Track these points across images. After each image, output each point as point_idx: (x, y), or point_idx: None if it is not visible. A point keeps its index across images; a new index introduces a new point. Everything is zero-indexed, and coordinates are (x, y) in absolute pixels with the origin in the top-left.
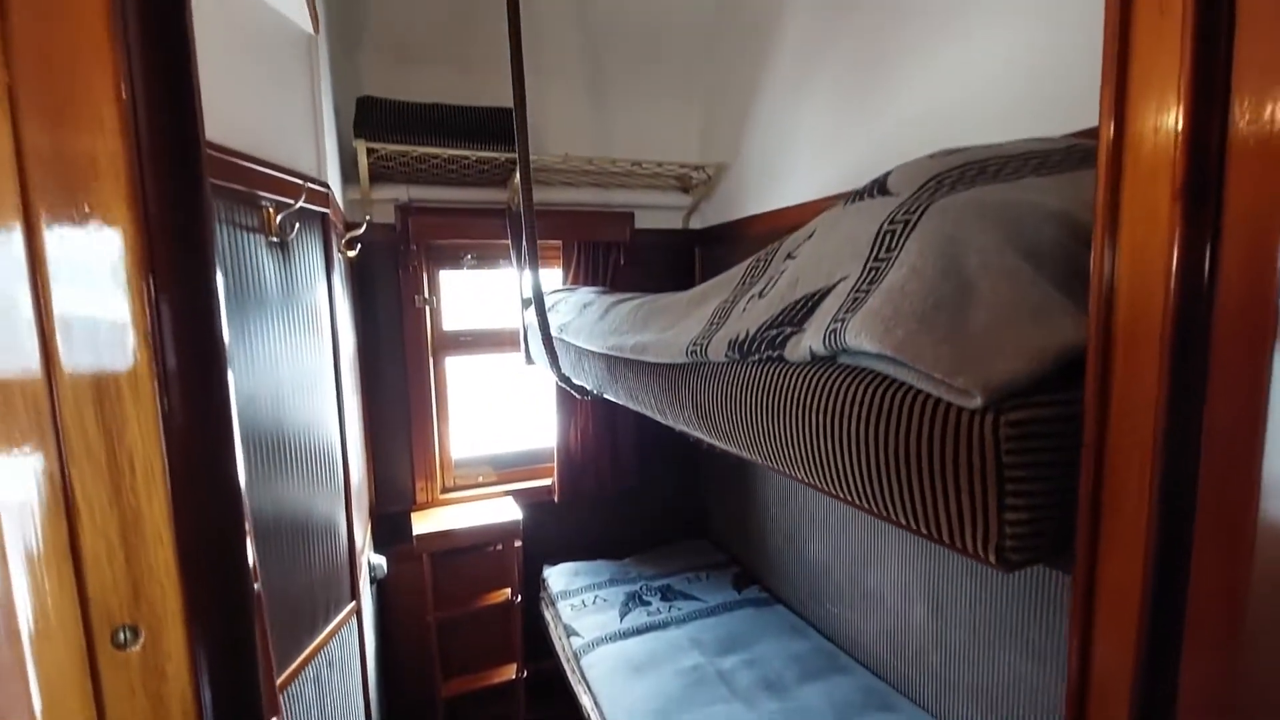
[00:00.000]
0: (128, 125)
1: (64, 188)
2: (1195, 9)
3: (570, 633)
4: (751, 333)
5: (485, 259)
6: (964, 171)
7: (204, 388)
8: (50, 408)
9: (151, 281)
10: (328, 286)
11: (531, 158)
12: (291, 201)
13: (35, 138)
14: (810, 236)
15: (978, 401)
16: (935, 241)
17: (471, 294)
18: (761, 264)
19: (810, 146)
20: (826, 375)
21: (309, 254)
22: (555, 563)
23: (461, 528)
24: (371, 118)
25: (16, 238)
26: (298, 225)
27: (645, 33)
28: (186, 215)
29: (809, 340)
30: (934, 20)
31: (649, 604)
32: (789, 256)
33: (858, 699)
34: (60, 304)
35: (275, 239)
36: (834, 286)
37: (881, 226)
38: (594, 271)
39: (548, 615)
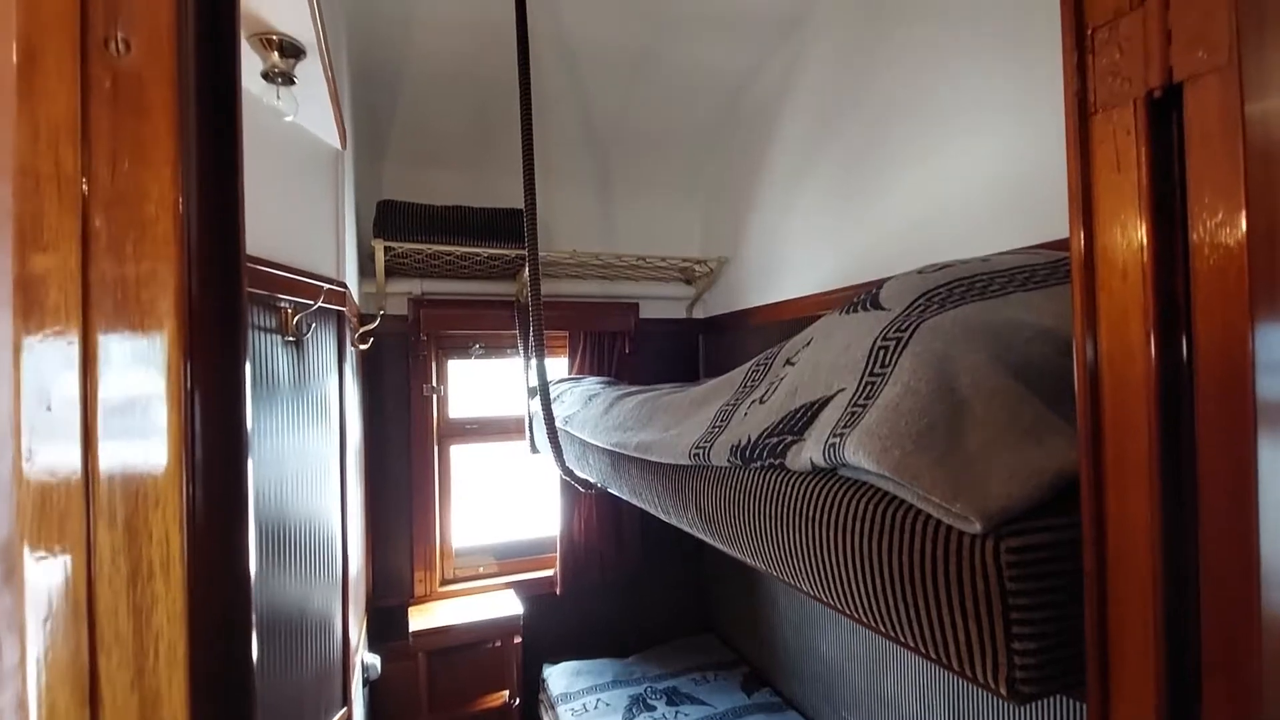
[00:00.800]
0: (182, 237)
1: (121, 297)
2: (1148, 135)
3: None
4: (753, 439)
5: (493, 348)
6: (953, 288)
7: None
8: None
9: (191, 395)
10: (339, 379)
11: (540, 254)
12: (310, 302)
13: (101, 248)
14: (808, 344)
15: (976, 527)
16: (928, 360)
17: (478, 382)
18: (762, 368)
19: (807, 243)
20: (827, 487)
21: (323, 349)
22: (556, 660)
23: (460, 624)
24: (390, 219)
25: (74, 342)
26: (313, 325)
27: (649, 135)
28: (225, 327)
29: (809, 451)
30: (920, 129)
31: (654, 709)
32: (788, 362)
33: None
34: (104, 416)
35: (291, 338)
36: (832, 398)
37: (876, 341)
38: (600, 361)
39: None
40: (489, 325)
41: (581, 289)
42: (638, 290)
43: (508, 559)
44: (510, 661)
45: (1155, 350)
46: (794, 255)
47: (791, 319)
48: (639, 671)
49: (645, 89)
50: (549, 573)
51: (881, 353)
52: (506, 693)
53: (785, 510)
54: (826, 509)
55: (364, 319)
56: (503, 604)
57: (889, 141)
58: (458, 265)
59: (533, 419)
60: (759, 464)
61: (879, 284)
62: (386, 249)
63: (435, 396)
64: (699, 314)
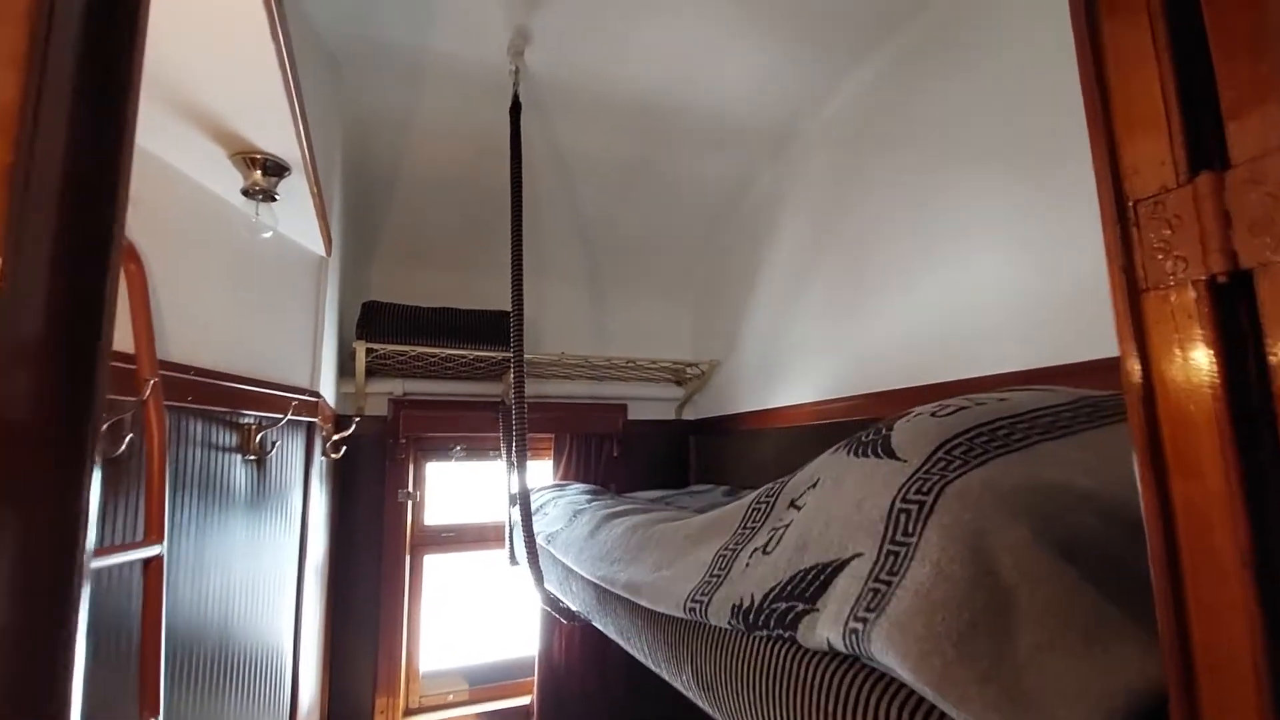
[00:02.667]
0: None
1: None
2: (1214, 320)
3: None
4: (758, 600)
5: (475, 450)
6: (973, 439)
7: None
8: None
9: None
10: (303, 491)
11: (527, 356)
12: (279, 416)
13: None
14: (814, 486)
15: None
16: (959, 536)
17: (458, 485)
18: (764, 507)
19: (802, 351)
20: (851, 677)
21: (288, 463)
22: None
23: None
24: (374, 321)
25: None
26: (277, 442)
27: (641, 239)
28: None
29: (825, 629)
30: (915, 248)
31: None
32: (793, 504)
33: None
34: None
35: (253, 456)
36: (847, 562)
37: (894, 502)
38: (586, 464)
39: None
40: (472, 427)
41: (568, 390)
42: (626, 391)
43: (480, 684)
44: None
45: (1248, 571)
46: (788, 362)
47: (786, 426)
48: None
49: (637, 195)
50: (525, 700)
51: (903, 517)
52: None
53: (800, 694)
54: (850, 704)
55: (340, 422)
56: None
57: (882, 258)
58: (442, 366)
59: (513, 529)
60: (765, 633)
61: (888, 423)
62: (368, 350)
63: (410, 502)
64: (689, 415)
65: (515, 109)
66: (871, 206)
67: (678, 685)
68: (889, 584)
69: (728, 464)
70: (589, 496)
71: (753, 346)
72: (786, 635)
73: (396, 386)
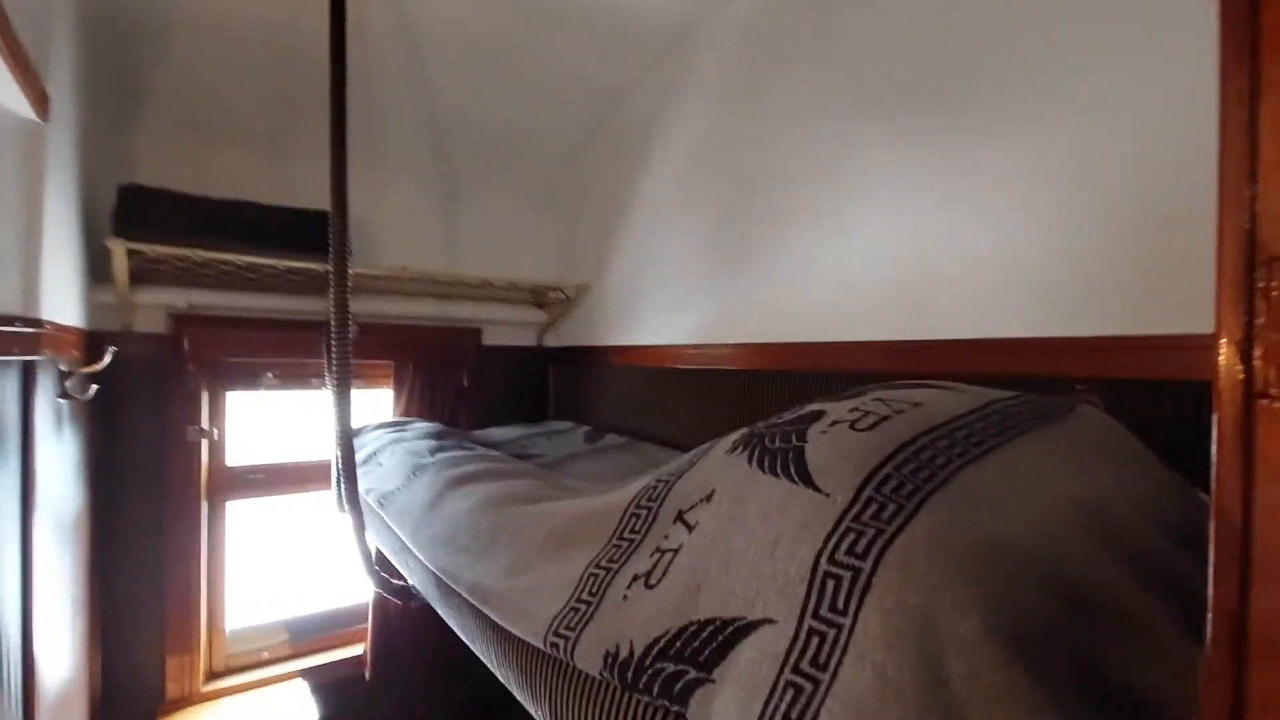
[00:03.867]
0: None
1: None
2: None
3: None
4: (638, 653)
5: (289, 377)
6: (901, 467)
7: None
8: None
9: None
10: (22, 441)
11: (359, 271)
12: None
13: None
14: (708, 499)
15: None
16: (907, 630)
17: (273, 420)
18: (645, 514)
19: (677, 288)
20: None
21: None
22: None
23: None
24: (139, 213)
25: None
26: None
27: (501, 137)
28: None
29: (725, 717)
30: (814, 189)
31: None
32: (681, 519)
33: None
34: None
35: None
36: (754, 626)
37: (820, 561)
38: (432, 395)
39: None
40: (287, 350)
41: (412, 309)
42: (481, 313)
43: (306, 637)
44: None
45: None
46: (662, 297)
47: (655, 366)
48: None
49: (500, 85)
50: (358, 650)
51: (830, 585)
52: None
53: None
54: None
55: (94, 343)
56: (298, 701)
57: (775, 197)
58: (242, 276)
59: (340, 475)
60: (647, 699)
61: (797, 425)
62: (132, 252)
63: (207, 441)
64: (551, 342)
65: None
66: (768, 135)
67: (530, 711)
68: (815, 684)
69: (590, 400)
70: (433, 442)
71: (624, 275)
72: (674, 709)
73: (179, 297)
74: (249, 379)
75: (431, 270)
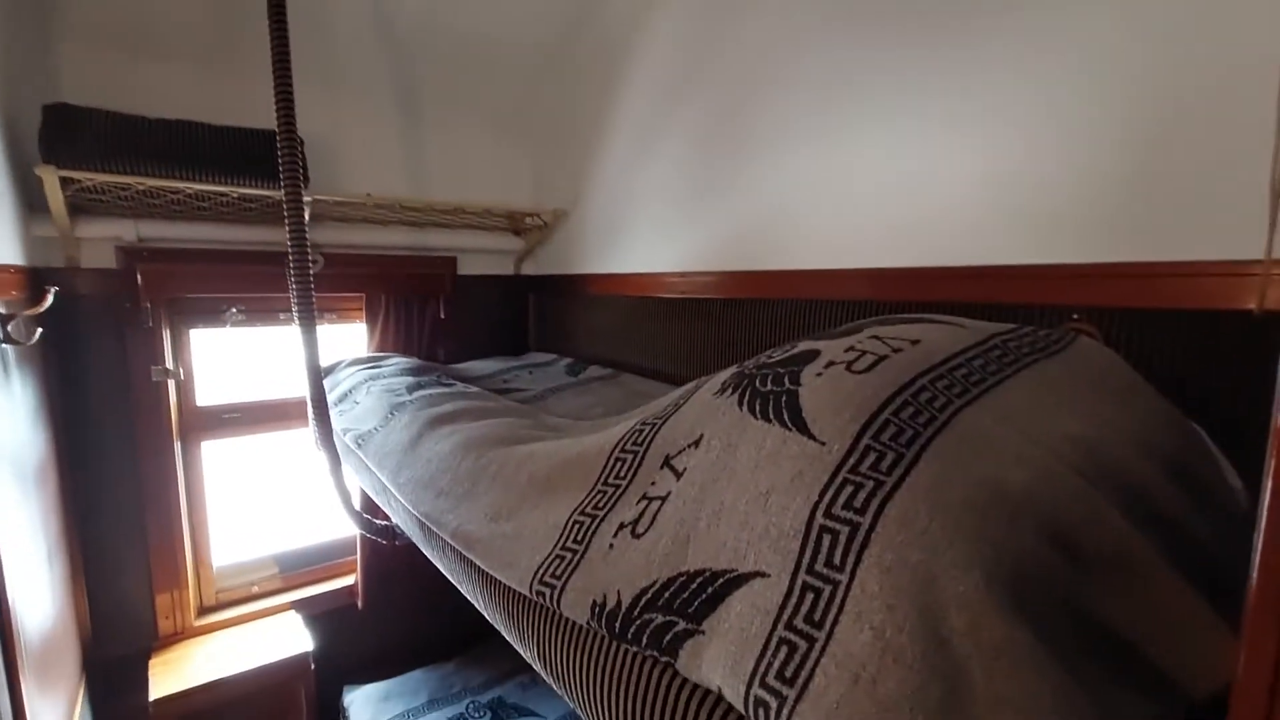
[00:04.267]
0: None
1: None
2: None
3: None
4: (625, 604)
5: (257, 313)
6: (900, 412)
7: None
8: None
9: None
10: None
11: (321, 198)
12: None
13: None
14: (696, 444)
15: None
16: (907, 589)
17: (243, 357)
18: (630, 458)
19: (660, 212)
20: None
21: None
22: (360, 681)
23: (228, 676)
24: (70, 137)
25: None
26: None
27: (470, 54)
28: None
29: (716, 673)
30: (800, 104)
31: None
32: (669, 464)
33: None
34: None
35: None
36: (746, 579)
37: (815, 514)
38: (408, 328)
39: None
40: (251, 284)
41: (383, 239)
42: (455, 241)
43: (295, 570)
44: (298, 699)
45: None
46: (642, 223)
47: (637, 295)
48: (459, 682)
49: None
50: (349, 580)
51: (827, 539)
52: None
53: None
54: None
55: (37, 282)
56: (285, 634)
57: (756, 119)
58: (194, 205)
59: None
60: (635, 649)
61: (789, 366)
62: (67, 181)
63: (173, 381)
64: (529, 270)
65: None
66: (756, 49)
67: (523, 655)
68: (810, 641)
69: (571, 330)
70: (411, 378)
71: (604, 200)
72: (663, 660)
73: (127, 230)
74: (213, 316)
75: (399, 196)
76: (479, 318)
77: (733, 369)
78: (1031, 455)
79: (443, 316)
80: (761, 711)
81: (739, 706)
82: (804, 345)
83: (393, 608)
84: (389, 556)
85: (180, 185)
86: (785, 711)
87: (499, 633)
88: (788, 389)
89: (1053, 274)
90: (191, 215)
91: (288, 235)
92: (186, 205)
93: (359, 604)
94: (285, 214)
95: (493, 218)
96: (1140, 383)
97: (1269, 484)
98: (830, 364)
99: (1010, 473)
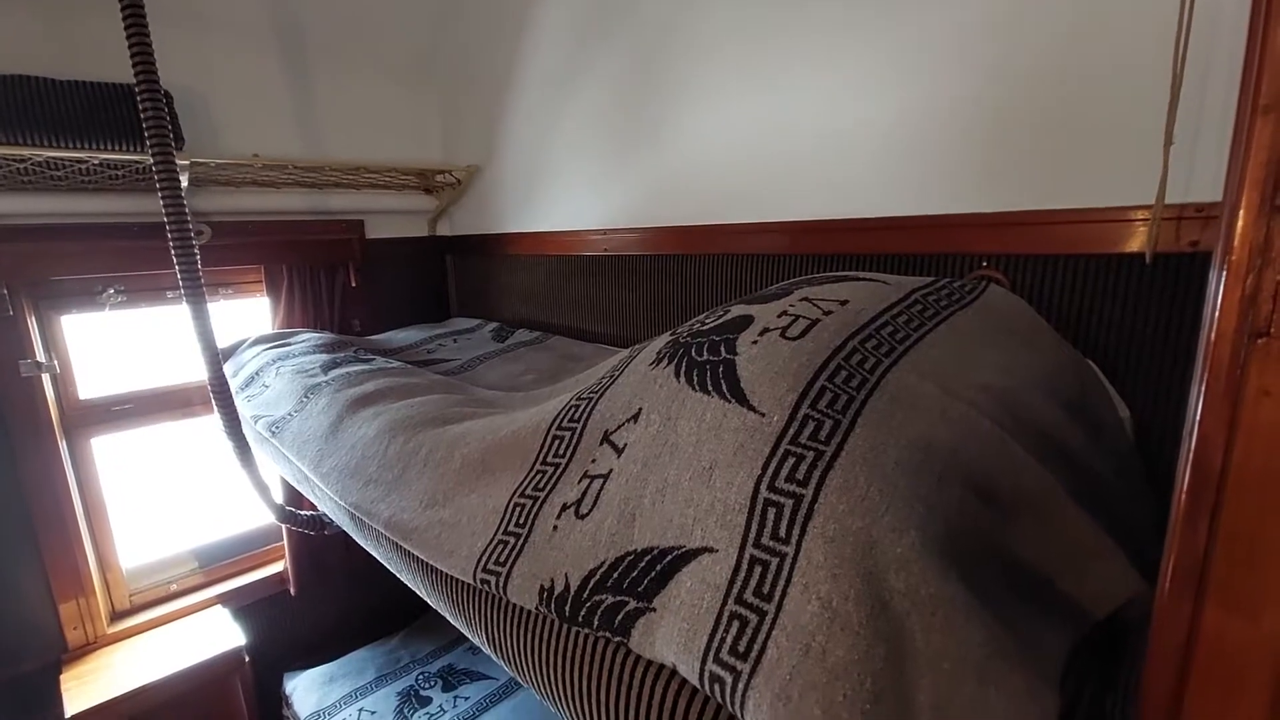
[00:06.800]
0: None
1: None
2: None
3: None
4: (574, 587)
5: (138, 292)
6: (834, 377)
7: None
8: None
9: None
10: None
11: (203, 161)
12: None
13: None
14: (635, 419)
15: None
16: (851, 557)
17: (131, 341)
18: (568, 436)
19: (577, 167)
20: (704, 712)
21: None
22: (301, 666)
23: (151, 682)
24: None
25: None
26: None
27: None
28: None
29: (670, 649)
30: (720, 62)
31: (429, 701)
32: (608, 441)
33: None
34: None
35: None
36: (695, 554)
37: (759, 487)
38: (316, 300)
39: None
40: (131, 262)
41: (277, 203)
42: (360, 203)
43: (218, 562)
44: (234, 693)
45: None
46: (562, 179)
47: (560, 254)
48: (406, 655)
49: None
50: (278, 567)
51: (772, 513)
52: None
53: (638, 710)
54: None
55: None
56: (213, 630)
57: (672, 66)
58: (45, 175)
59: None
60: (586, 631)
61: (725, 333)
62: None
63: (48, 375)
64: (445, 230)
65: None
66: None
67: (470, 638)
68: (761, 615)
69: (494, 293)
70: (325, 356)
71: (520, 155)
72: (616, 639)
73: None
74: (87, 299)
75: (291, 156)
76: (395, 284)
77: (666, 337)
78: (954, 411)
79: (353, 285)
80: (717, 687)
81: (694, 682)
82: (737, 310)
83: (328, 589)
84: (319, 539)
85: (24, 152)
86: (740, 686)
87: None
88: (724, 358)
89: (961, 222)
90: (46, 187)
91: (162, 205)
92: (37, 175)
93: (291, 590)
94: (157, 181)
95: (400, 176)
96: (1043, 325)
97: (1200, 391)
98: (765, 330)
99: (937, 430)
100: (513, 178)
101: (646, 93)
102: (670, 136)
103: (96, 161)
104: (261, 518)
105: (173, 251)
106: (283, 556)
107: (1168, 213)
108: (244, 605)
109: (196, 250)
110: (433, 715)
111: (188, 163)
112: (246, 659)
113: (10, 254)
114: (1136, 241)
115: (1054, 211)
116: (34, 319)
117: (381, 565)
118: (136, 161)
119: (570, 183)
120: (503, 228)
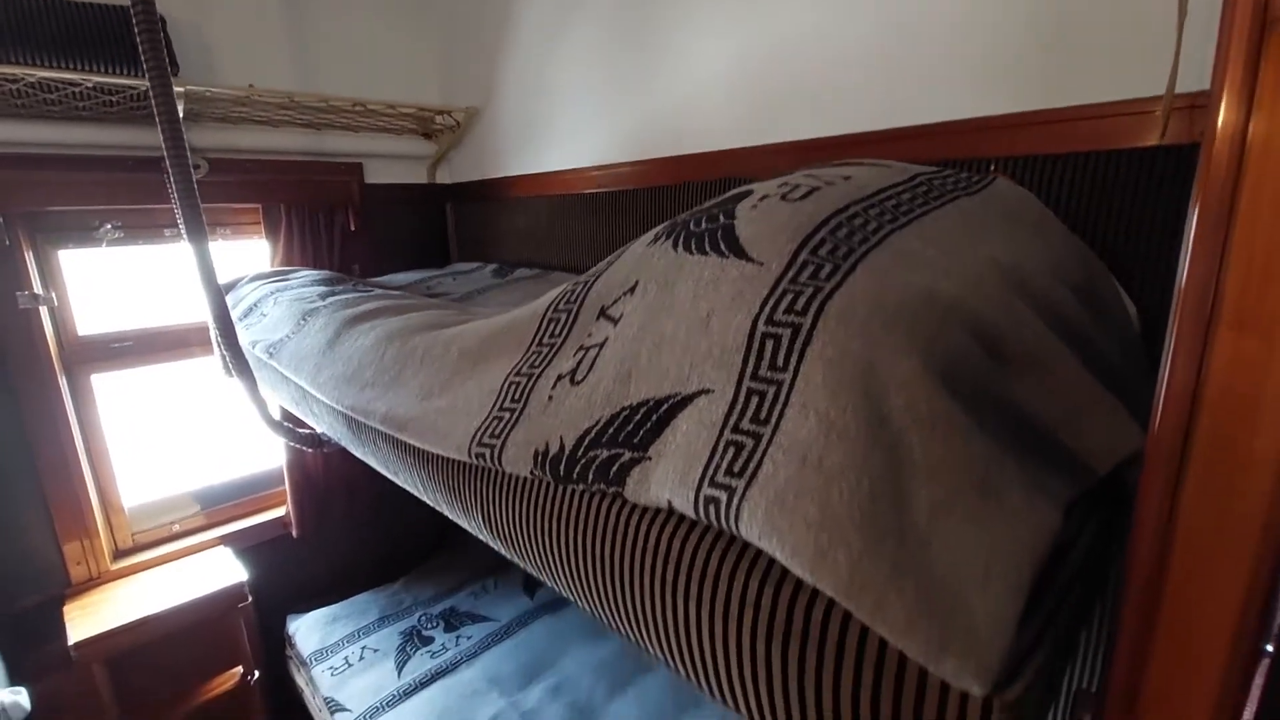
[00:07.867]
0: None
1: None
2: None
3: (335, 708)
4: (569, 446)
5: (136, 229)
6: (835, 231)
7: None
8: None
9: None
10: None
11: (197, 89)
12: None
13: None
14: (632, 291)
15: (976, 690)
16: (849, 374)
17: (131, 280)
18: (564, 316)
19: (578, 102)
20: (697, 541)
21: None
22: (304, 609)
23: (154, 613)
24: None
25: None
26: None
27: None
28: None
29: (664, 488)
30: None
31: (431, 640)
32: (605, 314)
33: (668, 701)
34: None
35: None
36: (691, 399)
37: (757, 324)
38: (315, 242)
39: (301, 684)
40: (129, 196)
41: (276, 142)
42: (360, 145)
43: (219, 505)
44: (238, 632)
45: None
46: (560, 117)
47: (560, 194)
48: (409, 598)
49: None
50: (279, 512)
51: (770, 344)
52: (240, 668)
53: (631, 558)
54: (698, 574)
55: None
56: (215, 569)
57: None
58: (38, 99)
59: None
60: (581, 487)
61: (723, 207)
62: None
63: (47, 308)
64: (445, 178)
65: None
66: None
67: (467, 527)
68: (757, 438)
69: (495, 238)
70: (323, 289)
71: (518, 94)
72: (610, 491)
73: None
74: (84, 234)
75: (288, 89)
76: (395, 230)
77: (664, 223)
78: (959, 267)
79: (353, 228)
80: (712, 508)
81: (690, 513)
82: (736, 190)
83: (330, 535)
84: (320, 482)
85: (16, 71)
86: (735, 500)
87: (447, 549)
88: (723, 224)
89: (970, 127)
90: (40, 113)
91: (160, 131)
92: (29, 99)
93: (294, 533)
94: (154, 105)
95: (400, 118)
96: (1051, 217)
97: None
98: (765, 197)
99: (941, 283)
100: (511, 119)
101: (643, 21)
102: (671, 64)
103: (90, 84)
104: (263, 464)
105: (171, 181)
106: (284, 502)
107: (1179, 102)
108: (247, 547)
109: (195, 182)
110: (435, 653)
111: (183, 90)
112: (249, 596)
113: (5, 181)
114: (1146, 134)
115: (1060, 110)
116: (31, 253)
117: (385, 512)
118: (132, 87)
119: (568, 120)
120: (502, 171)
